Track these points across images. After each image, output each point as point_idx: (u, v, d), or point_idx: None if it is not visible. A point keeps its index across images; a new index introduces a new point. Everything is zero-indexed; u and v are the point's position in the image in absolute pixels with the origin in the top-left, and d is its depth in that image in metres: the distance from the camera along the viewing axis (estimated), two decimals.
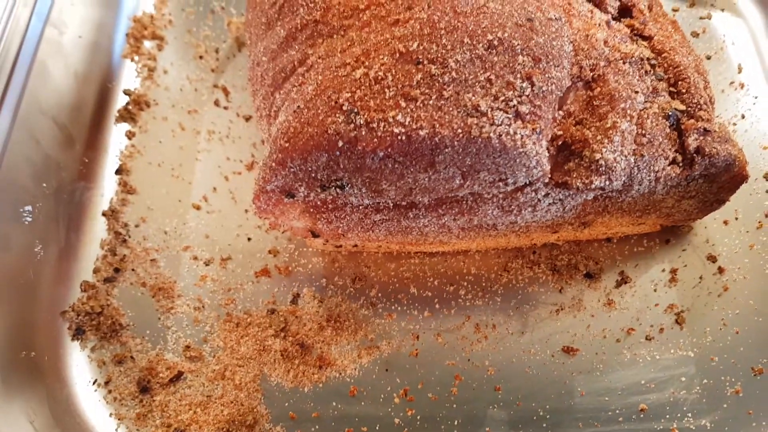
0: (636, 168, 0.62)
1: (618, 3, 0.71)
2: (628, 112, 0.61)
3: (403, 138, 0.55)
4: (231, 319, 0.69)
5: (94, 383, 0.67)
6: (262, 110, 0.71)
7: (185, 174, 0.79)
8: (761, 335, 0.70)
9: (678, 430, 0.65)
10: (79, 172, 0.77)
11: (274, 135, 0.61)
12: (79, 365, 0.67)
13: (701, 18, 0.97)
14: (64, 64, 0.77)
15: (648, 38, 0.69)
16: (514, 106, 0.57)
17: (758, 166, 0.82)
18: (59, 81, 0.76)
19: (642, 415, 0.66)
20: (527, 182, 0.60)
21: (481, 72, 0.57)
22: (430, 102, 0.56)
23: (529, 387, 0.67)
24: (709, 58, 0.93)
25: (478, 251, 0.74)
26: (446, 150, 0.56)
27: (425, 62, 0.57)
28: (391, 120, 0.55)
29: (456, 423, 0.66)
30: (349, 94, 0.56)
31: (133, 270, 0.72)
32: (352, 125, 0.56)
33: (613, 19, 0.70)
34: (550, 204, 0.63)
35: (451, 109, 0.56)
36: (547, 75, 0.59)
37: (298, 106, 0.60)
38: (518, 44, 0.59)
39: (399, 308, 0.71)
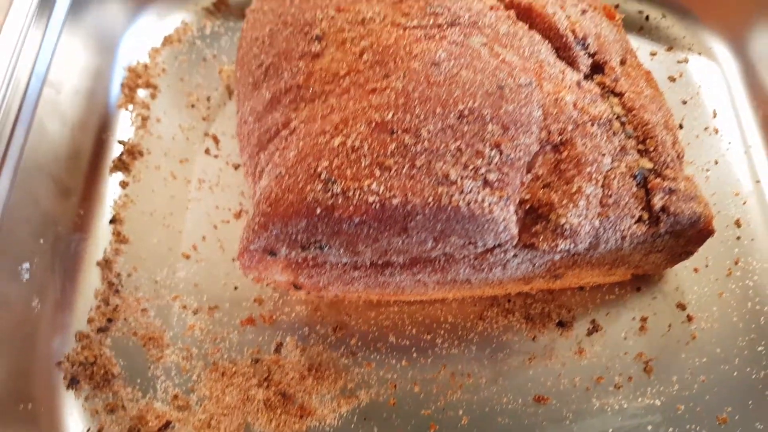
0: (602, 228, 0.64)
1: (590, 60, 0.73)
2: (594, 175, 0.63)
3: (377, 206, 0.58)
4: (217, 368, 0.71)
5: None
6: (248, 167, 0.74)
7: (176, 223, 0.82)
8: (727, 384, 0.71)
9: None
10: (75, 224, 0.79)
11: (257, 198, 0.65)
12: (74, 414, 0.69)
13: (679, 62, 0.99)
14: (61, 121, 0.79)
15: (619, 95, 0.71)
16: (482, 174, 0.60)
17: (729, 213, 0.84)
18: (56, 136, 0.78)
19: None
20: (496, 244, 0.63)
21: (452, 141, 0.60)
22: (403, 171, 0.59)
23: None
24: (685, 102, 0.95)
25: (455, 299, 0.77)
26: (418, 217, 0.59)
27: (399, 132, 0.60)
28: (366, 189, 0.58)
29: None
30: (327, 163, 0.60)
31: (125, 320, 0.74)
32: (330, 193, 0.59)
33: (585, 77, 0.72)
34: (519, 263, 0.66)
35: (422, 177, 0.59)
36: (515, 142, 0.62)
37: (280, 172, 0.63)
38: (488, 113, 0.62)
39: (378, 357, 0.73)
